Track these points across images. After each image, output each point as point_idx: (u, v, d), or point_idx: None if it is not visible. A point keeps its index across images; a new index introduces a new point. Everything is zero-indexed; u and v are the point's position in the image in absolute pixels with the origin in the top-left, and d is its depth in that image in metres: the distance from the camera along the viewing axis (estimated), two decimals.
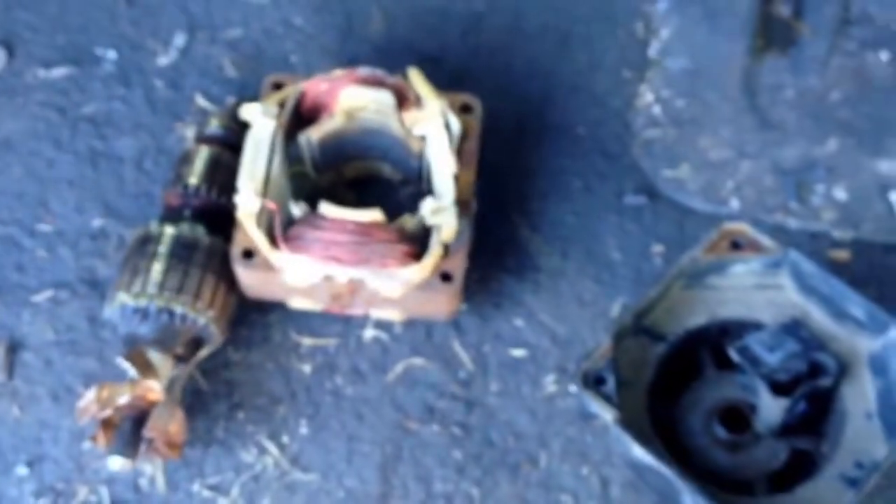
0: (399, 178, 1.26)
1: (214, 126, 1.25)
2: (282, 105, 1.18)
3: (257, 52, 1.36)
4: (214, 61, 1.36)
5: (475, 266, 1.20)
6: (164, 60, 1.36)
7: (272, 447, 1.19)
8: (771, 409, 1.10)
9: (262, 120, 1.16)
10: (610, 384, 1.05)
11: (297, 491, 1.17)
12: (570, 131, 1.34)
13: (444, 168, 1.15)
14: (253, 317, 1.24)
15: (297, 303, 1.20)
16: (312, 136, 1.19)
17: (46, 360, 1.23)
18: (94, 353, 1.23)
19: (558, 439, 1.19)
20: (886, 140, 1.30)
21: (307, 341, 1.23)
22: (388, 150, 1.22)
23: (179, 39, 1.37)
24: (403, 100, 1.19)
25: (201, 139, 1.25)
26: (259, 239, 1.13)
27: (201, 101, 1.33)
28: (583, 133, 1.34)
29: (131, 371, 1.14)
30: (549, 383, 1.21)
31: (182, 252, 1.16)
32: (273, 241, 1.13)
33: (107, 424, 1.13)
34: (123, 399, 1.12)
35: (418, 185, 1.22)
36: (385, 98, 1.17)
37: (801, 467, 1.11)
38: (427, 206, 1.13)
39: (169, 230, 1.17)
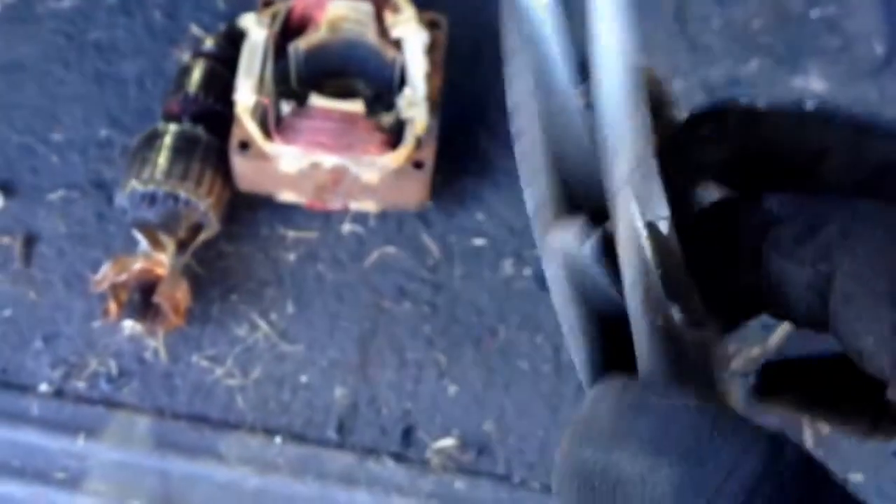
0: (372, 95, 1.41)
1: (209, 44, 1.41)
2: (274, 17, 1.34)
3: None
4: None
5: (441, 169, 1.36)
6: None
7: (262, 323, 1.33)
8: None
9: (256, 28, 1.32)
10: None
11: (286, 360, 1.32)
12: None
13: (418, 66, 1.31)
14: (243, 214, 1.38)
15: (285, 195, 1.35)
16: (300, 45, 1.34)
17: (59, 251, 1.36)
18: (102, 245, 1.36)
19: (515, 315, 1.34)
20: (800, 60, 1.48)
21: (291, 234, 1.38)
22: (365, 62, 1.37)
23: None
24: (382, 8, 1.35)
25: (198, 54, 1.40)
26: (255, 131, 1.28)
27: (195, 30, 1.48)
28: None
29: (142, 245, 1.28)
30: (507, 267, 1.37)
31: (184, 145, 1.31)
32: (267, 133, 1.28)
33: (117, 297, 1.28)
34: (137, 265, 1.26)
35: (390, 98, 1.37)
36: (365, 7, 1.34)
37: None
38: (403, 99, 1.29)
39: (173, 127, 1.32)
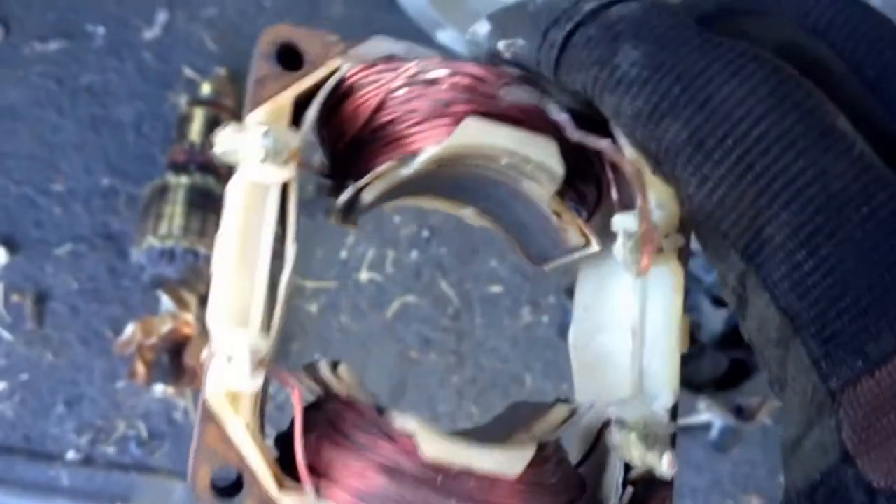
0: None
1: (207, 90, 1.37)
2: None
3: (234, 28, 1.47)
4: (195, 37, 1.46)
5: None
6: (149, 35, 1.45)
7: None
8: (712, 320, 1.30)
9: None
10: None
11: None
12: None
13: None
14: None
15: None
16: None
17: (73, 308, 1.31)
18: (117, 300, 1.32)
19: (539, 362, 1.36)
20: None
21: (310, 284, 1.36)
22: None
23: (161, 16, 1.46)
24: None
25: (197, 101, 1.36)
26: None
27: (189, 73, 1.44)
28: None
29: (165, 305, 1.25)
30: (526, 314, 1.38)
31: (199, 199, 1.28)
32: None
33: (143, 358, 1.24)
34: (166, 327, 1.23)
35: None
36: None
37: (739, 373, 1.33)
38: None
39: (185, 180, 1.29)
